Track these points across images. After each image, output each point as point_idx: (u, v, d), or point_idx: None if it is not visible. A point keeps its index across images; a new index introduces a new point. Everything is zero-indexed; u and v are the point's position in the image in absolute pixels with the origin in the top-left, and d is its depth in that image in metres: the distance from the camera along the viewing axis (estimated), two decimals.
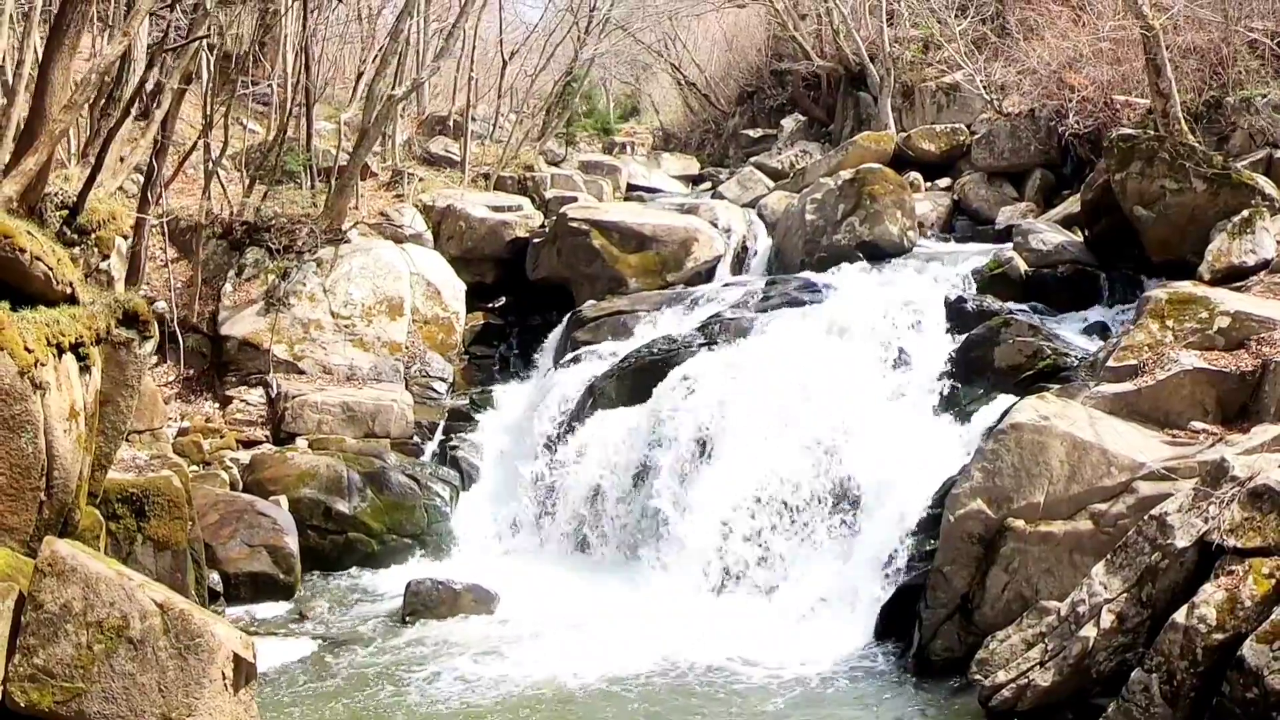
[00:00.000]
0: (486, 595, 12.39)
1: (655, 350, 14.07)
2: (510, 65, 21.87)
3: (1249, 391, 11.27)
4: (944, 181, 19.92)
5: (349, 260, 16.94)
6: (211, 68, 16.65)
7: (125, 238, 11.99)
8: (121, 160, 11.78)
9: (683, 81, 30.96)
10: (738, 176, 22.08)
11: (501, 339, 17.81)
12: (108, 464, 11.65)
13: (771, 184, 21.42)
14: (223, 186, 16.93)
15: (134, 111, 13.46)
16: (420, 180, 19.25)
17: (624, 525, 13.21)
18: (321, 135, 21.43)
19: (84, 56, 14.02)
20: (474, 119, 21.23)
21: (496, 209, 18.49)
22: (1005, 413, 11.15)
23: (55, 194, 11.13)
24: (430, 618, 12.08)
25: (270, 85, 18.40)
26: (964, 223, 18.79)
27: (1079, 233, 15.41)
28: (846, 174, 16.59)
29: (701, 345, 14.03)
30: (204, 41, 14.18)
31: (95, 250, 11.46)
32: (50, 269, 10.27)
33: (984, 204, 18.73)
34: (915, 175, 19.70)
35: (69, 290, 10.57)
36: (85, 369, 10.69)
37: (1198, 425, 11.19)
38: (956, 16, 20.92)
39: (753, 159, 23.38)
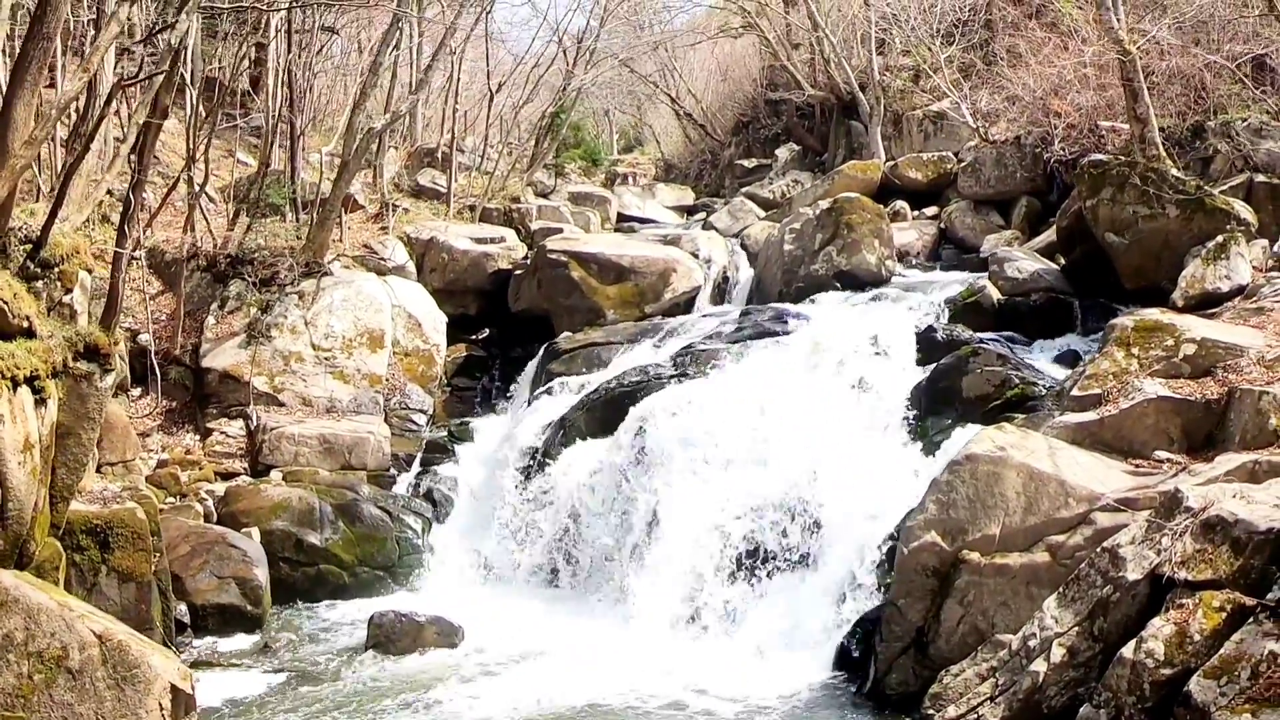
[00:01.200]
0: (450, 628, 12.34)
1: (625, 382, 14.04)
2: (498, 97, 21.99)
3: (1215, 420, 11.12)
4: (931, 210, 19.84)
5: (330, 292, 17.02)
6: (194, 100, 16.80)
7: (90, 271, 12.01)
8: (87, 196, 11.85)
9: (680, 112, 31.07)
10: (728, 207, 22.09)
11: (484, 370, 17.81)
12: (70, 496, 11.75)
13: (762, 214, 21.41)
14: (206, 219, 17.08)
15: (100, 146, 13.55)
16: (406, 212, 19.34)
17: (592, 559, 13.13)
18: (314, 167, 21.64)
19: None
20: (462, 150, 21.34)
21: (479, 241, 18.55)
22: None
23: (20, 228, 11.18)
24: (393, 651, 12.04)
25: (265, 117, 18.52)
26: (950, 251, 18.68)
27: (1060, 260, 15.30)
28: (825, 203, 16.54)
29: (671, 377, 13.98)
30: (183, 75, 14.36)
31: (58, 284, 11.48)
32: (6, 303, 10.39)
33: (970, 232, 18.63)
34: (901, 204, 19.64)
35: (25, 324, 10.68)
36: (41, 402, 10.78)
37: (1162, 455, 11.05)
38: (943, 44, 20.86)
39: (744, 189, 23.38)
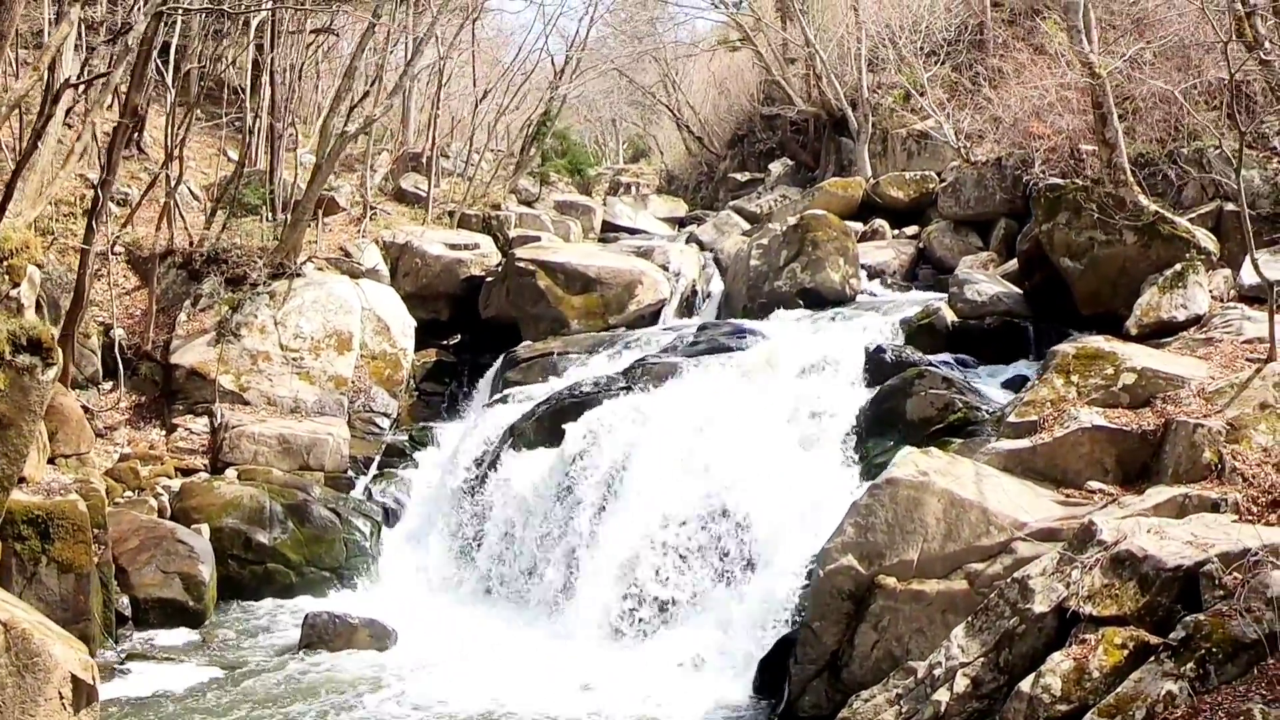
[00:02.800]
0: (383, 631, 12.43)
1: (575, 393, 14.03)
2: (486, 104, 22.06)
3: (1151, 451, 10.98)
4: (912, 229, 19.72)
5: (301, 294, 17.13)
6: (173, 99, 16.97)
7: (40, 266, 12.18)
8: (40, 192, 12.00)
9: (680, 124, 31.06)
10: (714, 220, 22.05)
11: (453, 376, 17.86)
12: (9, 486, 11.86)
13: (747, 228, 21.32)
14: (182, 217, 17.23)
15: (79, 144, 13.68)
16: (387, 216, 19.44)
17: (529, 569, 13.12)
18: (306, 168, 21.79)
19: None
20: (446, 156, 21.42)
21: (453, 247, 18.62)
22: None
23: None
24: (325, 650, 12.18)
25: (245, 117, 18.68)
26: (928, 271, 18.56)
27: (1025, 285, 15.13)
28: (792, 220, 16.47)
29: (621, 389, 13.96)
30: (162, 73, 14.52)
31: (6, 278, 11.65)
32: None
33: (948, 253, 18.49)
34: (880, 222, 19.54)
35: None
36: None
37: (1094, 485, 10.92)
38: (930, 63, 20.74)
39: (732, 203, 23.35)
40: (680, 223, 25.16)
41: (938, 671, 9.29)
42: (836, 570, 10.21)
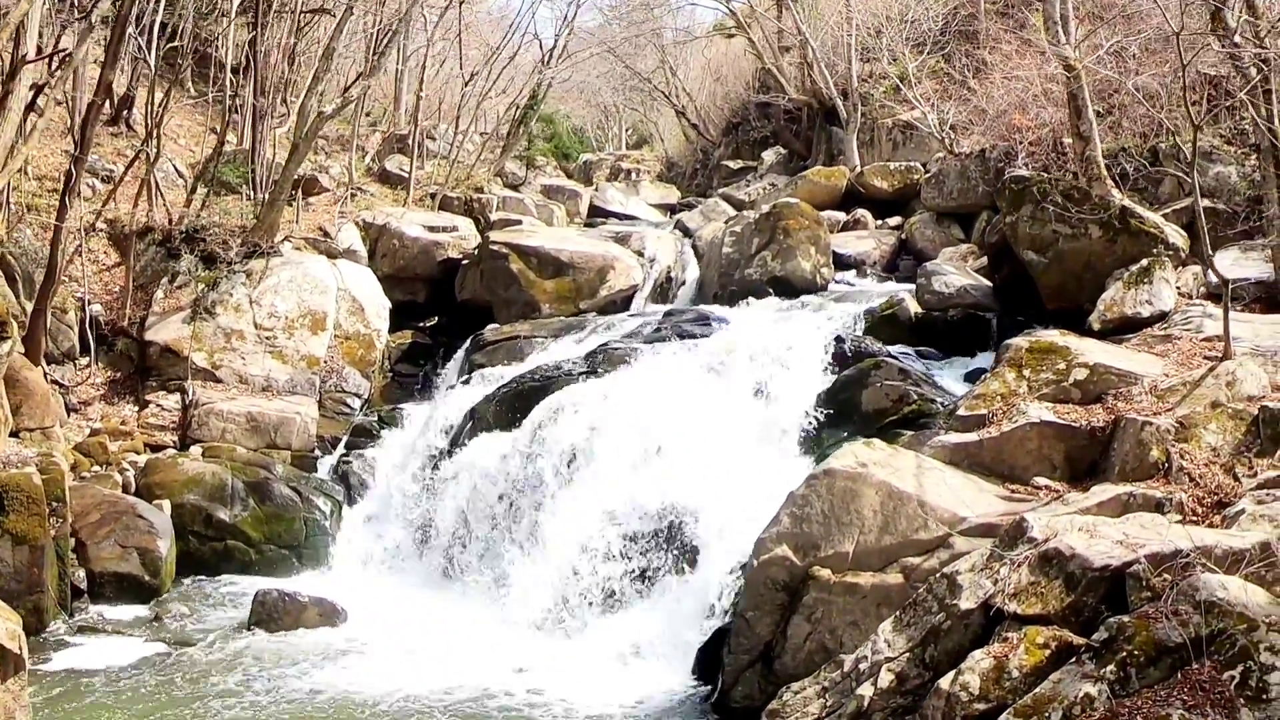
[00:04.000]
0: (333, 610, 12.50)
1: (535, 377, 14.01)
2: (470, 86, 22.00)
3: (1100, 448, 10.87)
4: (895, 220, 19.57)
5: (278, 273, 17.14)
6: (152, 75, 16.99)
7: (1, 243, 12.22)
8: (2, 168, 12.02)
9: (677, 111, 30.92)
10: (702, 207, 21.94)
11: (428, 358, 17.84)
12: None
13: (734, 214, 21.16)
14: (161, 194, 17.26)
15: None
16: (371, 197, 19.43)
17: (481, 552, 13.13)
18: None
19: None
20: (433, 138, 21.39)
21: (431, 229, 18.60)
22: None
23: None
24: (274, 628, 12.23)
25: (224, 95, 18.68)
26: (909, 263, 18.39)
27: (995, 278, 14.98)
28: (765, 208, 16.35)
29: (582, 374, 13.91)
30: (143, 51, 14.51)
31: None
32: None
33: (929, 244, 18.33)
34: (863, 212, 19.40)
35: None
36: None
37: (1041, 481, 10.82)
38: (917, 53, 20.54)
39: (721, 190, 23.25)
40: (672, 209, 25.05)
41: (863, 665, 9.23)
42: (770, 561, 10.15)
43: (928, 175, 19.42)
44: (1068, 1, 14.60)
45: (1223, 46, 12.21)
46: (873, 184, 20.03)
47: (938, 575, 9.28)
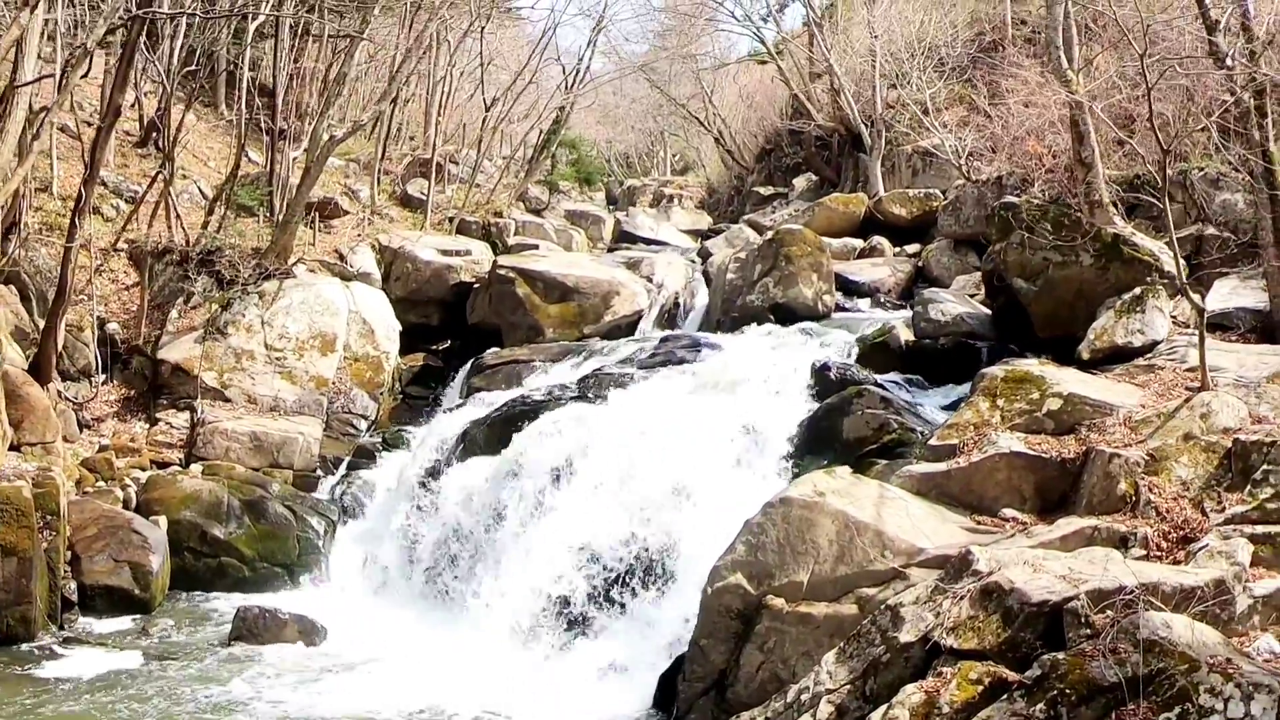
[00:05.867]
0: (313, 627, 12.62)
1: (525, 401, 14.07)
2: (491, 110, 22.23)
3: (1070, 480, 10.61)
4: (913, 247, 19.32)
5: (290, 294, 17.46)
6: (167, 99, 17.44)
7: None
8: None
9: (715, 137, 30.92)
10: (727, 234, 21.89)
11: (439, 380, 18.03)
12: None
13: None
14: (178, 215, 17.71)
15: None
16: (391, 221, 19.72)
17: (464, 574, 13.17)
18: (329, 170, 22.22)
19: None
20: (455, 162, 21.65)
21: (445, 252, 18.81)
22: None
23: None
24: (254, 644, 12.37)
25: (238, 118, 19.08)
26: (925, 290, 18.08)
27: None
28: (769, 234, 16.27)
29: (572, 399, 13.94)
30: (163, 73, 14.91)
31: None
32: None
33: (945, 272, 18.07)
34: (879, 240, 19.19)
35: None
36: None
37: (1009, 513, 10.59)
38: (936, 79, 20.30)
39: (746, 217, 23.18)
40: (704, 235, 25.02)
41: (805, 697, 9.08)
42: (725, 589, 10.04)
43: (945, 202, 19.16)
44: (1071, 27, 14.31)
45: (1216, 68, 11.88)
46: (891, 211, 19.83)
47: (882, 607, 9.11)
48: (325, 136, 16.74)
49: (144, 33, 14.46)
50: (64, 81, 12.58)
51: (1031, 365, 11.57)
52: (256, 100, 19.25)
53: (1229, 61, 11.63)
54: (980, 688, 7.98)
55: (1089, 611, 8.09)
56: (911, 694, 8.19)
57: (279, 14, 16.66)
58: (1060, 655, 7.77)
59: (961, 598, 8.68)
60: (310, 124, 19.65)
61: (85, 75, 13.41)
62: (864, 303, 17.64)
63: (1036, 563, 8.78)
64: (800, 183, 25.04)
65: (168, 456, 16.13)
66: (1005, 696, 7.79)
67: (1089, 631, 8.00)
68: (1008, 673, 8.00)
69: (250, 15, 16.53)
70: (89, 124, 18.96)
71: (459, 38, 20.88)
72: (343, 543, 14.76)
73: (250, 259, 17.40)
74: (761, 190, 26.45)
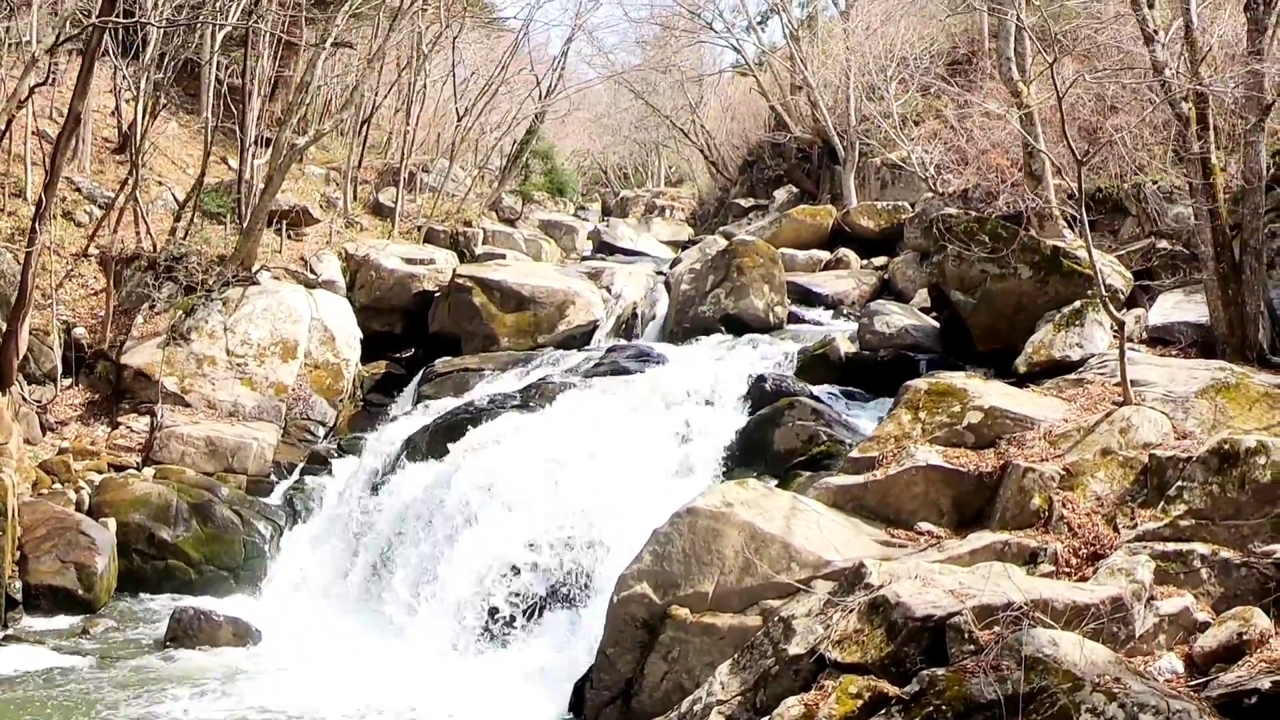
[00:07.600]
0: (247, 630, 12.71)
1: (468, 409, 14.11)
2: (464, 120, 22.31)
3: (988, 495, 10.54)
4: (880, 259, 19.23)
5: (253, 301, 17.58)
6: (141, 106, 17.63)
7: None
8: None
9: (700, 149, 30.93)
10: (701, 244, 21.79)
11: (400, 388, 18.05)
12: None
13: None
14: (146, 221, 17.87)
15: None
16: (362, 229, 19.81)
17: (400, 579, 13.19)
18: (310, 179, 22.42)
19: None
20: (428, 171, 21.73)
21: (409, 261, 18.87)
22: None
23: None
24: (189, 645, 12.49)
25: (205, 127, 19.19)
26: (874, 302, 17.99)
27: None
28: (721, 245, 16.24)
29: (514, 407, 13.96)
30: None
31: None
32: None
33: (909, 284, 17.98)
34: (845, 252, 19.12)
35: None
36: None
37: (924, 526, 10.53)
38: (909, 94, 20.23)
39: (721, 228, 23.12)
40: (683, 246, 25.00)
41: (697, 707, 9.08)
42: (630, 598, 10.03)
43: (911, 215, 19.07)
44: (1024, 39, 14.24)
45: (1156, 78, 11.78)
46: (859, 223, 19.76)
47: (775, 619, 9.07)
48: (286, 146, 16.85)
49: (102, 42, 14.57)
50: (15, 90, 12.72)
51: (956, 378, 11.50)
52: (231, 108, 19.40)
53: (1167, 72, 11.52)
54: (860, 702, 7.96)
55: (973, 627, 8.05)
56: (791, 707, 8.18)
57: (246, 24, 16.76)
58: (940, 671, 7.73)
59: (850, 611, 8.66)
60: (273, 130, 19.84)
61: (44, 84, 13.49)
62: (827, 314, 17.57)
63: (927, 577, 8.73)
64: (781, 195, 24.98)
65: (125, 460, 16.26)
66: (884, 711, 7.75)
67: (973, 647, 7.95)
68: (889, 687, 7.97)
69: (217, 25, 16.67)
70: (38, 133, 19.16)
71: (430, 45, 20.97)
72: (288, 547, 14.84)
73: (215, 266, 17.52)
74: (742, 202, 26.42)
